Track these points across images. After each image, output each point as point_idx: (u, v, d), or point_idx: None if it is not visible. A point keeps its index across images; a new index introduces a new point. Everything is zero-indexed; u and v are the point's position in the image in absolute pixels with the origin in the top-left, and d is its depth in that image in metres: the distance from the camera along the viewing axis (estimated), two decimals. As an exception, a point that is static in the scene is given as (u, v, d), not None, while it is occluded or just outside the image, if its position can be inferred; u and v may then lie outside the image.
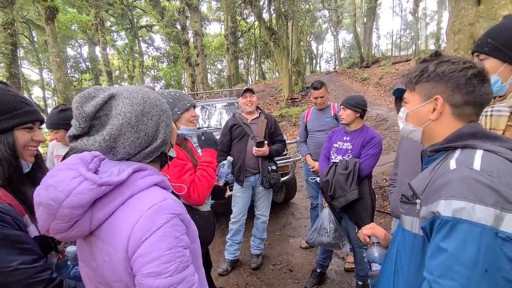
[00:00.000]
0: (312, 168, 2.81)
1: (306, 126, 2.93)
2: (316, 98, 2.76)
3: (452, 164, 0.68)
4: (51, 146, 2.32)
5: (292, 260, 2.84)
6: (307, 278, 2.45)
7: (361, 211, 1.98)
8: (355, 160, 2.00)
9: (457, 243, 0.60)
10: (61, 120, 1.85)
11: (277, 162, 3.38)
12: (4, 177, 0.84)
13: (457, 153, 0.72)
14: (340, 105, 2.18)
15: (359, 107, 2.10)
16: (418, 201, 0.74)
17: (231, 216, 2.73)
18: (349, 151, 2.11)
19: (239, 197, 2.67)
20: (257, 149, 2.51)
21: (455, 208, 0.61)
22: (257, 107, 2.73)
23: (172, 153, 0.85)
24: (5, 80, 1.19)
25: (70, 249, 0.94)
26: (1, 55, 9.77)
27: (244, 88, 2.66)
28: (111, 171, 0.66)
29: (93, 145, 0.65)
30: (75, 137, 0.66)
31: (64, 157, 1.17)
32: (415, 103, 0.82)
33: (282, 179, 3.38)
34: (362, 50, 18.56)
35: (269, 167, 2.60)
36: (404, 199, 0.82)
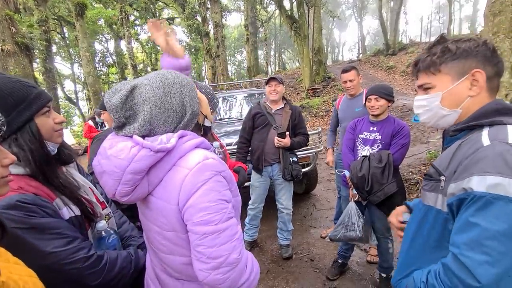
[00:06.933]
0: (328, 163, 2.93)
1: (337, 115, 2.84)
2: (345, 82, 2.64)
3: (485, 140, 0.68)
4: None
5: (313, 250, 2.87)
6: (329, 268, 2.47)
7: (397, 203, 1.93)
8: (387, 152, 1.92)
9: (491, 218, 0.60)
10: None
11: (299, 153, 3.38)
12: (35, 166, 0.81)
13: (486, 130, 0.71)
14: (370, 95, 2.04)
15: (391, 96, 2.03)
16: (442, 178, 0.74)
17: (249, 202, 2.81)
18: (378, 141, 2.05)
19: (257, 186, 2.74)
20: (279, 139, 2.51)
21: (490, 183, 0.61)
22: (283, 98, 2.71)
23: (207, 123, 0.91)
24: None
25: (100, 224, 0.97)
26: (37, 51, 10.43)
27: (269, 77, 2.66)
28: (161, 139, 0.73)
29: (134, 131, 0.74)
30: (119, 128, 0.76)
31: None
32: (447, 83, 0.79)
33: (303, 170, 3.36)
34: (389, 36, 17.61)
35: (290, 159, 2.59)
36: (427, 176, 0.83)
